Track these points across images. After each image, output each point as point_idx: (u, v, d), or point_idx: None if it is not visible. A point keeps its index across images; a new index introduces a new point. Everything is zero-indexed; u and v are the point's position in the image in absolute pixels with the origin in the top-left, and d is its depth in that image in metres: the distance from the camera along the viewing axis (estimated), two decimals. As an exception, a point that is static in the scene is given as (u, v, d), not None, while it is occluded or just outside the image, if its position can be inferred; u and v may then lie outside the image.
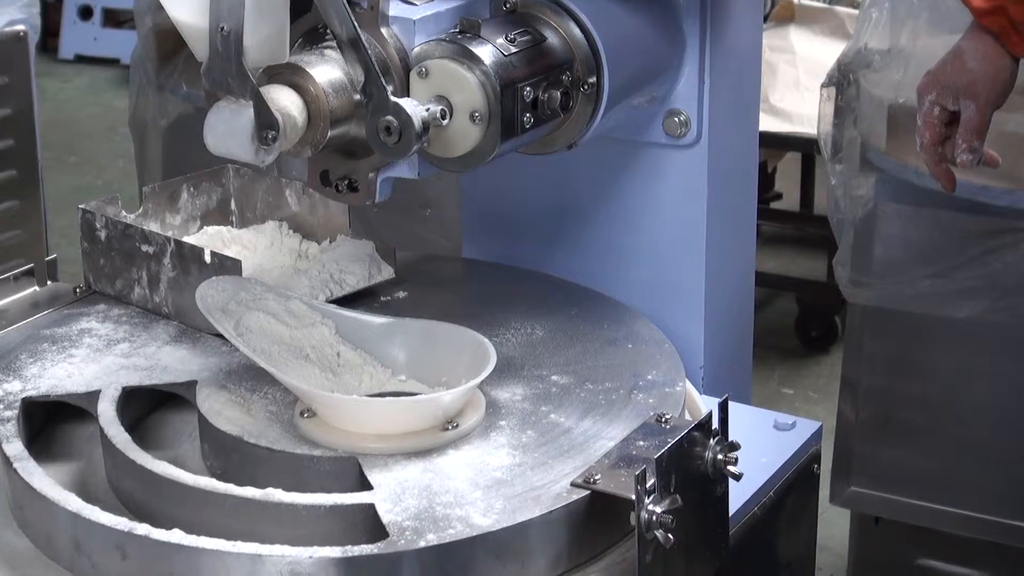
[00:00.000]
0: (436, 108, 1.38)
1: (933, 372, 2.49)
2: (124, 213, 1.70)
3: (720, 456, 1.30)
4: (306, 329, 1.48)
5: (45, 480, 1.30)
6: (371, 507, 1.24)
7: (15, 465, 1.32)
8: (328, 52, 1.38)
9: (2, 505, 1.37)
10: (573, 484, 1.26)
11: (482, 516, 1.23)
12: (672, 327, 1.63)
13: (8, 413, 1.41)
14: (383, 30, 1.40)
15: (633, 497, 1.20)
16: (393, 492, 1.27)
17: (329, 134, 1.36)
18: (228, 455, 1.36)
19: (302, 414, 1.39)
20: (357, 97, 1.36)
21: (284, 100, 1.34)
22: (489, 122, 1.40)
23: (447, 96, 1.39)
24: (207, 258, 1.57)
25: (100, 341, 1.58)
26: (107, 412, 1.40)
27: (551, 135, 1.53)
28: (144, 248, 1.63)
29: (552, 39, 1.48)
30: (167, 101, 3.20)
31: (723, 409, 1.31)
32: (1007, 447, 2.45)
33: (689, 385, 1.52)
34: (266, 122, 1.32)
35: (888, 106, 2.36)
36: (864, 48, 2.40)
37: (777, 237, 4.19)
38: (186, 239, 1.63)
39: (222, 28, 1.33)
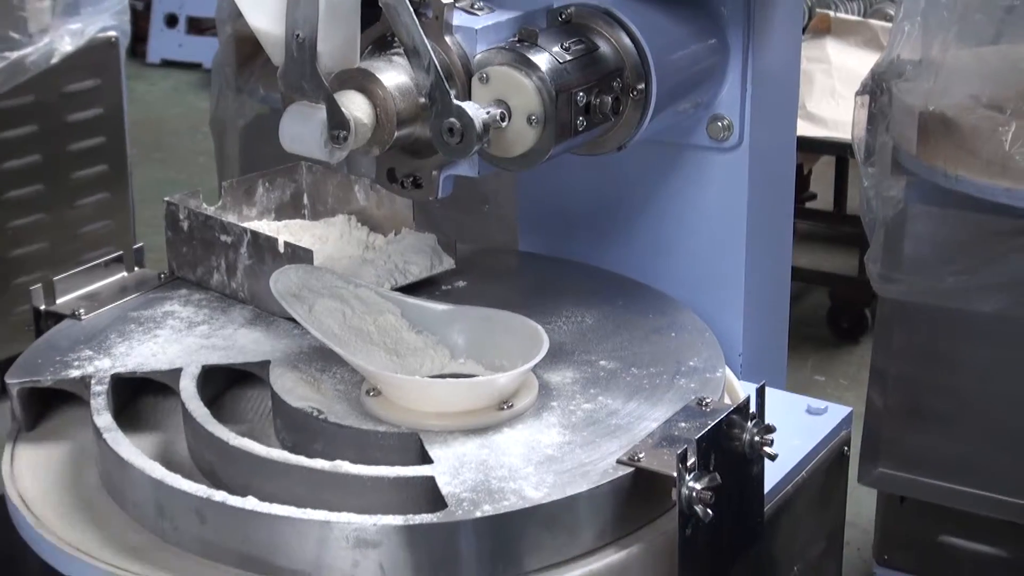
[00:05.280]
0: (496, 111, 1.38)
1: (958, 363, 2.48)
2: (205, 206, 1.71)
3: (756, 438, 1.30)
4: (372, 314, 1.49)
5: (132, 450, 1.31)
6: (431, 479, 1.25)
7: (104, 436, 1.34)
8: (396, 58, 1.38)
9: (93, 472, 1.39)
10: (619, 461, 1.27)
11: (534, 489, 1.24)
12: (713, 317, 1.63)
13: (98, 388, 1.43)
14: (447, 38, 1.41)
15: (675, 474, 1.21)
16: (452, 466, 1.27)
17: (396, 135, 1.37)
18: (299, 430, 1.37)
19: (368, 393, 1.40)
20: (422, 100, 1.37)
21: (354, 103, 1.34)
22: (545, 125, 1.40)
23: (506, 100, 1.40)
24: (281, 248, 1.59)
25: (182, 323, 1.59)
26: (188, 388, 1.42)
27: (602, 137, 1.53)
28: (223, 238, 1.65)
29: (604, 48, 1.48)
30: (245, 103, 3.22)
31: (760, 394, 1.31)
32: (1027, 433, 2.44)
33: (728, 371, 1.52)
34: (337, 123, 1.33)
35: (919, 113, 2.35)
36: (897, 59, 2.39)
37: (812, 235, 4.17)
38: (261, 230, 1.64)
39: (297, 35, 1.34)
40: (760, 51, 1.65)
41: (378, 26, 1.41)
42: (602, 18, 1.50)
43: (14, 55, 3.24)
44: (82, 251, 3.50)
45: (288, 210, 1.83)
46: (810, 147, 3.56)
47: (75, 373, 1.47)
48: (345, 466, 1.26)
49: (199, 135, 4.83)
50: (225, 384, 1.52)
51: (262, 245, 1.61)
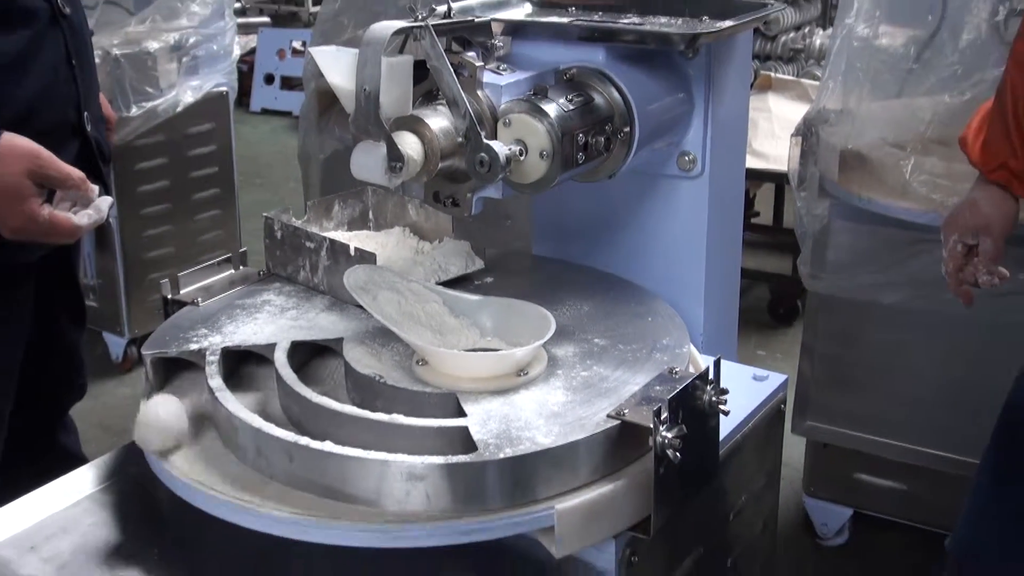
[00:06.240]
0: (516, 148, 1.38)
1: (868, 342, 2.48)
2: (294, 220, 1.71)
3: (714, 398, 1.29)
4: (421, 303, 1.49)
5: (237, 405, 1.31)
6: (465, 429, 1.24)
7: (216, 395, 1.34)
8: (440, 107, 1.38)
9: (207, 422, 1.39)
10: (609, 416, 1.26)
11: (544, 437, 1.23)
12: (681, 306, 1.62)
13: (212, 358, 1.42)
14: (479, 92, 1.40)
15: (651, 426, 1.20)
16: (481, 419, 1.27)
17: (439, 166, 1.37)
18: (365, 390, 1.37)
19: (417, 362, 1.40)
20: (460, 140, 1.36)
21: (408, 142, 1.34)
22: (553, 159, 1.39)
23: (523, 140, 1.39)
24: (351, 252, 1.58)
25: (276, 309, 1.59)
26: (281, 358, 1.41)
27: (596, 168, 1.53)
28: (307, 244, 1.64)
29: (599, 100, 1.48)
30: (325, 141, 3.22)
31: (716, 365, 1.30)
32: (921, 395, 2.43)
33: (692, 347, 1.50)
34: (395, 157, 1.33)
35: (840, 151, 2.35)
36: (823, 109, 2.38)
37: (756, 243, 4.14)
38: (337, 238, 1.63)
39: (365, 89, 1.34)
40: (717, 103, 1.64)
41: (426, 83, 1.41)
42: (597, 77, 1.50)
43: (149, 105, 3.25)
44: (200, 253, 3.52)
45: (357, 223, 1.82)
46: (755, 176, 3.56)
47: (194, 346, 1.46)
48: (400, 418, 1.26)
49: (289, 166, 4.84)
50: (308, 355, 1.52)
51: (337, 250, 1.60)
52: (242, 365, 1.50)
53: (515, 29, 1.55)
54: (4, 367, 1.77)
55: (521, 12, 1.77)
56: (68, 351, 1.98)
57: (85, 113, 1.76)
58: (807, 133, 2.39)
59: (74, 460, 1.94)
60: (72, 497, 1.39)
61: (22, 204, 1.50)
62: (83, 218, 1.56)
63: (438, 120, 1.36)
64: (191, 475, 1.28)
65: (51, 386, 1.96)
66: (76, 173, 1.55)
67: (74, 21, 1.73)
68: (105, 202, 1.60)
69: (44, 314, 1.85)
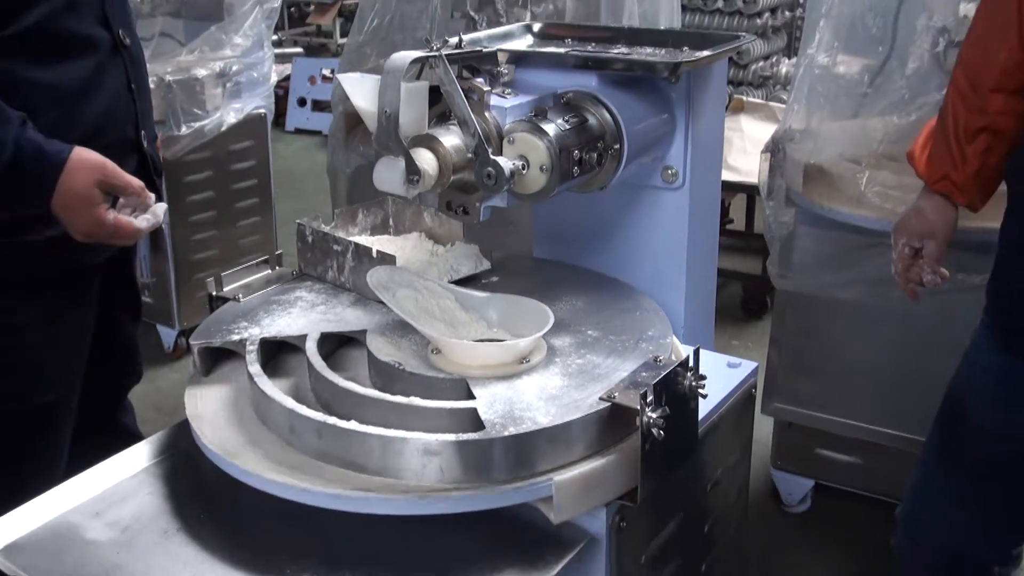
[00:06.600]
0: (519, 163, 1.38)
1: (828, 334, 2.48)
2: (323, 226, 1.71)
3: (693, 383, 1.29)
4: (435, 299, 1.49)
5: (273, 389, 1.31)
6: (474, 410, 1.24)
7: (255, 379, 1.34)
8: (452, 127, 1.38)
9: (247, 404, 1.39)
10: (600, 399, 1.26)
11: (543, 417, 1.23)
12: (664, 302, 1.61)
13: (251, 347, 1.42)
14: (486, 114, 1.40)
15: (638, 408, 1.20)
16: (488, 401, 1.27)
17: (452, 179, 1.36)
18: (386, 376, 1.37)
19: (432, 352, 1.40)
20: (470, 156, 1.36)
21: (424, 158, 1.34)
22: (552, 172, 1.39)
23: (526, 155, 1.39)
24: (374, 254, 1.58)
25: (307, 304, 1.59)
26: (311, 348, 1.41)
27: (590, 180, 1.52)
28: (335, 247, 1.64)
29: (592, 120, 1.47)
30: (351, 157, 3.22)
31: (696, 354, 1.30)
32: (874, 380, 2.43)
33: (674, 338, 1.50)
34: (413, 171, 1.32)
35: (804, 165, 2.34)
36: (789, 128, 2.38)
37: (730, 246, 4.13)
38: (361, 243, 1.63)
39: (386, 111, 1.34)
40: (696, 123, 1.63)
41: (440, 105, 1.41)
42: (591, 100, 1.49)
43: (197, 125, 3.25)
44: (240, 256, 3.52)
45: (379, 229, 1.82)
46: (730, 187, 3.55)
47: (235, 337, 1.46)
48: (417, 401, 1.26)
49: (320, 179, 4.82)
50: (336, 345, 1.52)
51: (361, 252, 1.60)
52: (278, 354, 1.50)
53: (518, 58, 1.54)
54: (74, 358, 1.77)
55: (523, 43, 1.77)
56: (127, 342, 1.99)
57: (142, 131, 1.77)
58: (775, 149, 2.39)
59: (132, 437, 1.95)
60: (130, 470, 1.39)
61: (92, 210, 1.51)
62: (142, 222, 1.58)
63: (450, 138, 1.36)
64: (232, 451, 1.28)
65: (113, 373, 1.96)
66: (137, 182, 1.56)
67: (133, 51, 1.75)
68: (161, 208, 1.61)
69: (106, 310, 1.85)
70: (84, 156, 1.50)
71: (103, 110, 1.66)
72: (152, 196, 1.60)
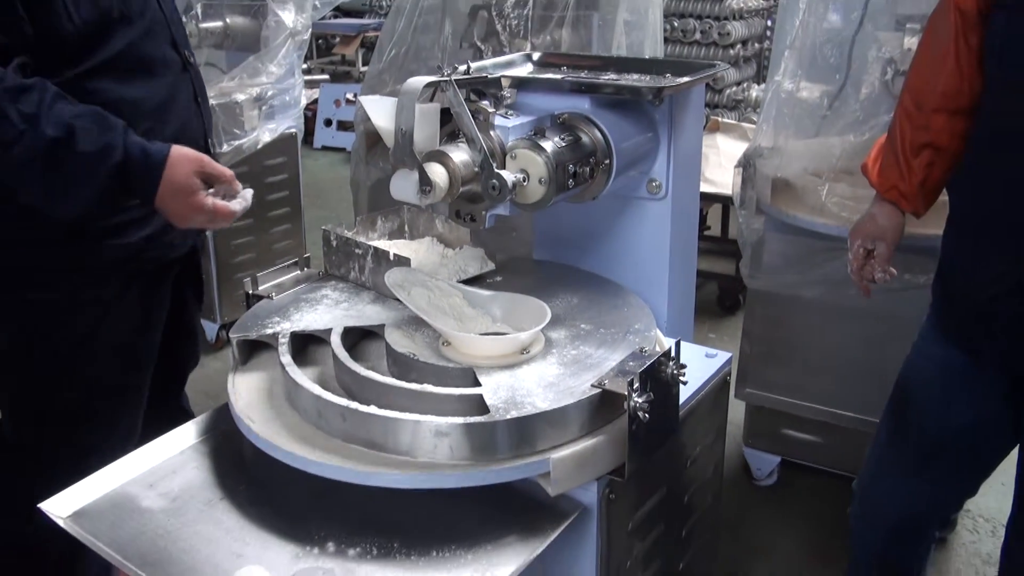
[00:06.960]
0: (520, 176, 1.37)
1: (793, 328, 2.47)
2: (346, 232, 1.70)
3: (675, 371, 1.28)
4: (446, 297, 1.48)
5: (302, 377, 1.31)
6: (480, 396, 1.24)
7: (287, 369, 1.33)
8: (460, 144, 1.37)
9: (280, 390, 1.38)
10: (592, 385, 1.25)
11: (542, 402, 1.23)
12: (649, 299, 1.61)
13: (283, 340, 1.42)
14: (491, 132, 1.39)
15: (626, 393, 1.20)
16: (493, 388, 1.26)
17: (460, 190, 1.36)
18: (402, 365, 1.36)
19: (443, 344, 1.39)
20: (476, 169, 1.36)
21: (435, 171, 1.33)
22: (549, 184, 1.38)
23: (526, 169, 1.38)
24: (391, 257, 1.57)
25: (332, 301, 1.58)
26: (336, 340, 1.41)
27: (583, 191, 1.52)
28: (356, 251, 1.63)
29: (585, 138, 1.47)
30: (371, 171, 3.20)
31: (677, 345, 1.29)
32: (833, 368, 2.42)
33: (658, 331, 1.50)
34: (425, 182, 1.32)
35: (772, 178, 2.34)
36: (759, 146, 2.37)
37: (708, 250, 4.12)
38: (379, 247, 1.63)
39: (402, 130, 1.33)
40: (678, 140, 1.62)
41: (450, 125, 1.40)
42: (584, 121, 1.49)
43: (236, 143, 3.25)
44: (274, 258, 3.51)
45: (396, 234, 1.82)
46: (707, 198, 3.54)
47: (269, 331, 1.46)
48: (429, 388, 1.25)
49: (343, 191, 4.83)
50: (358, 338, 1.51)
51: (380, 255, 1.60)
52: (306, 345, 1.49)
53: (520, 83, 1.54)
54: (150, 348, 1.76)
55: (524, 70, 1.76)
56: (191, 327, 1.98)
57: (210, 139, 1.79)
58: (746, 164, 2.38)
59: (186, 416, 1.94)
60: (180, 447, 1.39)
61: (192, 197, 1.51)
62: (236, 204, 1.57)
63: (459, 154, 1.35)
64: (267, 431, 1.28)
65: (179, 356, 1.96)
66: (228, 171, 1.56)
67: (196, 69, 1.76)
68: (248, 192, 1.60)
69: (177, 301, 1.85)
70: (182, 151, 1.52)
71: (180, 121, 1.68)
72: (239, 183, 1.60)
